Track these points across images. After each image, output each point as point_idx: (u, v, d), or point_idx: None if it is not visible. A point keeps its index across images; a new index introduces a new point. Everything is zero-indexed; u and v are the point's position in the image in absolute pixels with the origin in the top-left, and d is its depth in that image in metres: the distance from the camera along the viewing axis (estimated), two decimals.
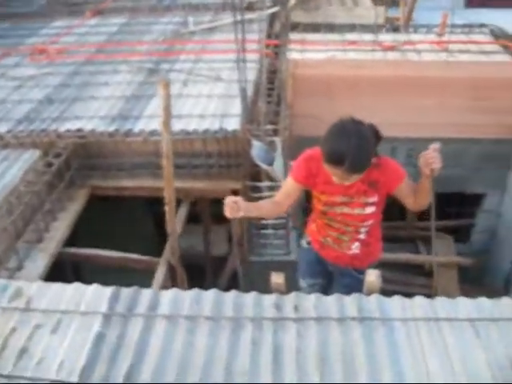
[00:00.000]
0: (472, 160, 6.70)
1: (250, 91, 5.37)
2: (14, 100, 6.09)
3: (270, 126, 4.87)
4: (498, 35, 7.21)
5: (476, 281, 7.41)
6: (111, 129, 5.23)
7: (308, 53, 6.66)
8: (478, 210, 7.30)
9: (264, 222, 5.14)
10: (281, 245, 5.29)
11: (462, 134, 6.50)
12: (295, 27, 7.54)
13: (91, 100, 5.88)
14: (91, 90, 6.12)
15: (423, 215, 7.85)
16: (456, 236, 7.57)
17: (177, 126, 5.11)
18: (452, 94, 6.26)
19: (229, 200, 2.90)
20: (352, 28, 7.44)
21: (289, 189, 3.29)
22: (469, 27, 7.60)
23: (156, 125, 5.14)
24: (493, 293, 7.31)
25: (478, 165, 6.74)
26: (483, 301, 3.01)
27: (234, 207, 2.87)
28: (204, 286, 3.19)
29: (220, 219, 4.16)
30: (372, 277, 3.18)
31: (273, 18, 7.97)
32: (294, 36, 7.25)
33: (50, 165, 4.98)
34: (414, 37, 7.23)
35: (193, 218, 6.00)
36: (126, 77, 6.43)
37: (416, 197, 3.17)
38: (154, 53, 7.06)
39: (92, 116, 5.52)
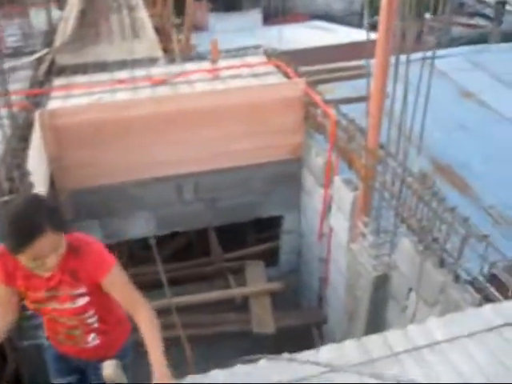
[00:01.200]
0: (261, 185, 6.59)
1: None
2: None
3: None
4: (271, 55, 7.21)
5: (291, 303, 7.32)
6: None
7: (73, 98, 6.15)
8: (280, 232, 7.22)
9: None
10: None
11: (246, 160, 6.35)
12: (62, 71, 7.00)
13: None
14: None
15: (228, 245, 7.80)
16: (266, 260, 7.45)
17: None
18: (229, 122, 6.08)
19: None
20: (123, 65, 7.05)
21: None
22: (243, 49, 7.58)
23: None
24: (308, 312, 7.40)
25: (267, 188, 6.64)
26: None
27: None
28: None
29: None
30: (108, 370, 2.73)
31: (39, 62, 7.34)
32: (59, 81, 6.71)
33: None
34: (188, 67, 7.01)
35: None
36: None
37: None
38: None
39: None
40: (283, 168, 6.54)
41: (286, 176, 6.61)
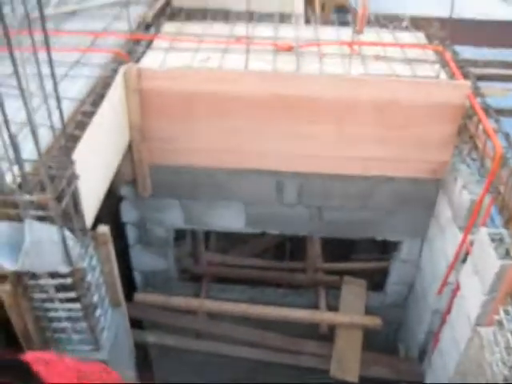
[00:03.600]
0: (382, 201, 5.20)
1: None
2: None
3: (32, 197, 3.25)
4: (432, 37, 5.63)
5: (386, 343, 6.03)
6: None
7: (176, 53, 5.03)
8: (393, 258, 5.84)
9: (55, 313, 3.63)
10: (86, 339, 3.79)
11: (369, 170, 4.97)
12: (176, 14, 5.86)
13: None
14: None
15: (327, 254, 6.55)
16: (370, 282, 6.18)
17: None
18: (356, 119, 4.70)
19: None
20: (248, 17, 5.76)
21: None
22: (397, 20, 6.02)
23: None
24: (406, 365, 5.99)
25: (389, 207, 5.25)
26: None
27: None
28: None
29: None
30: None
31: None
32: (168, 26, 5.60)
33: None
34: (324, 34, 5.61)
35: None
36: None
37: None
38: None
39: None
40: (415, 187, 5.10)
41: (417, 197, 5.17)
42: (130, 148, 4.88)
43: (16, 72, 2.96)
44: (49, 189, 3.18)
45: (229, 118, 4.66)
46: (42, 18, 3.09)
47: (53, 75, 3.13)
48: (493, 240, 3.95)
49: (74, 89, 4.44)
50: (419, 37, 5.71)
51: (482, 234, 4.05)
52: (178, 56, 4.97)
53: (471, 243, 4.36)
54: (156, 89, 4.53)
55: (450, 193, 4.79)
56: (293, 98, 4.59)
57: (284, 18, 6.02)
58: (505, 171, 4.08)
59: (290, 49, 5.19)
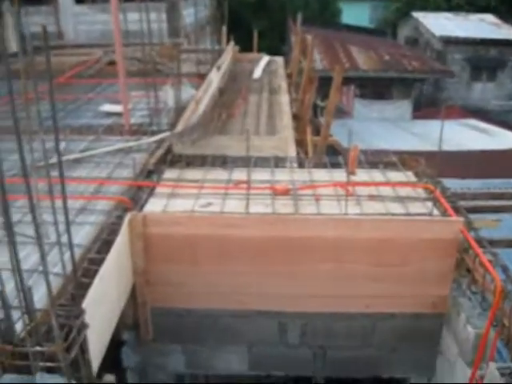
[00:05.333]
0: (385, 339, 5.17)
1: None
2: None
3: (42, 348, 3.26)
4: (421, 174, 5.93)
5: None
6: None
7: (178, 199, 5.24)
8: None
9: None
10: None
11: (370, 307, 5.01)
12: (177, 160, 6.17)
13: None
14: None
15: None
16: None
17: None
18: (354, 258, 4.83)
19: None
20: (246, 162, 6.07)
21: None
22: (385, 156, 6.38)
23: None
24: None
25: (392, 344, 5.21)
26: None
27: None
28: None
29: None
30: None
31: (158, 147, 6.59)
32: (170, 173, 5.87)
33: None
34: (318, 175, 5.90)
35: None
36: None
37: None
38: None
39: None
40: (417, 323, 5.10)
41: (420, 333, 5.15)
42: (132, 291, 4.92)
43: (34, 218, 3.10)
44: (58, 339, 3.18)
45: (231, 261, 4.77)
46: (47, 166, 3.30)
47: (67, 223, 3.27)
48: (502, 375, 3.92)
49: (80, 235, 4.58)
50: (409, 175, 6.00)
51: (491, 369, 4.02)
52: (180, 202, 5.18)
53: (481, 378, 4.30)
54: (160, 234, 4.68)
55: (454, 327, 4.80)
56: (293, 239, 4.73)
57: (278, 161, 6.34)
58: (507, 304, 4.14)
59: (287, 192, 5.42)
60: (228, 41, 14.94)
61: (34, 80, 3.39)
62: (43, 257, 3.09)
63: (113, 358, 5.24)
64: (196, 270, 4.79)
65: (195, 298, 4.95)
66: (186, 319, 5.11)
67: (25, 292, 3.27)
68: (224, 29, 15.11)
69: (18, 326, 3.34)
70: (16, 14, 15.04)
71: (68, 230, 3.29)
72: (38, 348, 3.18)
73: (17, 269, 3.19)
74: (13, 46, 15.29)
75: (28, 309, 3.27)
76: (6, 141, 7.17)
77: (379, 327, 5.13)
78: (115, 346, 5.29)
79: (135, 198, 5.27)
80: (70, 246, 3.36)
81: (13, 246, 3.12)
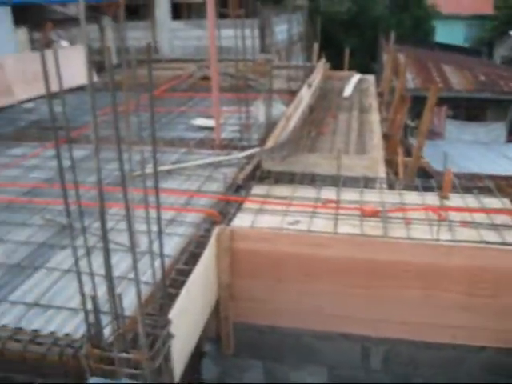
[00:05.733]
0: (473, 373, 4.92)
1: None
2: None
3: (129, 355, 3.32)
4: None
5: None
6: None
7: (265, 215, 5.26)
8: None
9: None
10: None
11: (456, 338, 4.79)
12: (266, 177, 6.19)
13: None
14: None
15: None
16: None
17: (34, 322, 3.77)
18: (444, 287, 4.64)
19: None
20: (336, 181, 6.02)
21: None
22: (478, 179, 6.12)
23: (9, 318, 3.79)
24: None
25: (482, 379, 4.94)
26: None
27: None
28: None
29: None
30: None
31: (247, 162, 6.66)
32: (258, 189, 5.90)
33: None
34: (409, 198, 5.74)
35: None
36: (28, 234, 5.13)
37: None
38: (84, 201, 5.77)
39: None
40: (508, 358, 4.82)
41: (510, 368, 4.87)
42: (216, 305, 4.95)
43: (129, 227, 3.18)
44: (145, 348, 3.24)
45: (317, 280, 4.71)
46: (144, 176, 3.39)
47: (160, 233, 3.34)
48: None
49: (169, 246, 4.67)
50: (505, 202, 5.72)
51: None
52: (268, 218, 5.19)
53: None
54: (247, 249, 4.69)
55: None
56: (381, 262, 4.61)
57: (368, 181, 6.23)
58: None
59: (376, 214, 5.31)
60: (319, 58, 14.93)
61: (133, 92, 3.50)
62: (135, 265, 3.16)
63: (193, 369, 5.30)
64: (281, 287, 4.76)
65: (278, 316, 4.92)
66: (267, 336, 5.08)
67: (115, 298, 3.36)
68: (316, 46, 15.13)
69: (106, 331, 3.45)
70: (116, 29, 15.75)
71: (160, 241, 3.36)
72: (124, 354, 3.25)
73: (109, 275, 3.28)
74: (112, 58, 16.01)
75: (117, 315, 3.36)
76: (108, 150, 7.53)
77: (467, 360, 4.89)
78: (196, 357, 5.35)
79: (224, 211, 5.33)
80: (161, 256, 3.43)
81: (107, 253, 3.22)
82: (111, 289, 3.29)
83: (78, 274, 3.28)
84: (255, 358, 5.30)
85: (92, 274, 3.29)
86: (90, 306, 3.36)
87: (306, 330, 4.96)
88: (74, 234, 3.35)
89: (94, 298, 3.27)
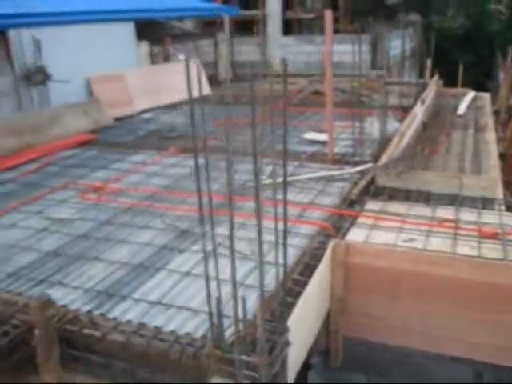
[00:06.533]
0: None
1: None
2: (24, 246, 5.36)
3: (249, 358, 3.41)
4: None
5: None
6: (85, 308, 4.15)
7: (379, 231, 5.24)
8: None
9: None
10: None
11: None
12: (379, 193, 6.16)
13: (93, 262, 4.93)
14: (102, 249, 5.19)
15: None
16: None
17: (156, 320, 3.98)
18: None
19: None
20: (452, 200, 5.88)
21: None
22: None
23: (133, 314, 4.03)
24: None
25: None
26: None
27: None
28: None
29: None
30: None
31: (360, 177, 6.66)
32: (372, 204, 5.88)
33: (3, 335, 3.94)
34: None
35: None
36: (150, 236, 5.43)
37: None
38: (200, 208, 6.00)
39: (78, 286, 4.52)
40: None
41: None
42: (326, 318, 4.98)
43: (259, 236, 3.30)
44: (264, 352, 3.33)
45: (431, 300, 4.61)
46: (274, 186, 3.50)
47: (285, 243, 3.43)
48: None
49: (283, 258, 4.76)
50: None
51: None
52: (382, 234, 5.16)
53: None
54: (362, 264, 4.69)
55: None
56: (500, 286, 4.45)
57: (485, 202, 6.02)
58: None
59: (495, 236, 5.13)
60: (432, 74, 14.62)
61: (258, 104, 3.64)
62: (261, 272, 3.27)
63: (299, 379, 5.34)
64: (394, 304, 4.71)
65: (389, 333, 4.86)
66: (376, 352, 5.03)
67: (237, 302, 3.49)
68: (428, 62, 14.84)
69: (226, 334, 3.58)
70: (230, 43, 16.24)
71: (285, 250, 3.46)
72: (244, 357, 3.36)
73: (233, 280, 3.41)
74: (225, 73, 16.53)
75: (238, 318, 3.48)
76: (224, 160, 7.80)
77: None
78: (303, 367, 5.40)
79: (337, 225, 5.37)
80: (284, 265, 3.52)
81: (233, 259, 3.35)
82: (234, 292, 3.42)
83: (206, 277, 3.43)
84: (361, 373, 5.25)
85: (218, 278, 3.43)
86: (212, 308, 3.51)
87: (417, 350, 4.86)
88: (204, 239, 3.49)
89: (218, 300, 3.41)
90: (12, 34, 9.59)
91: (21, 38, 9.64)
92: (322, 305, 4.76)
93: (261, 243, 3.25)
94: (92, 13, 10.84)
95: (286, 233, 3.61)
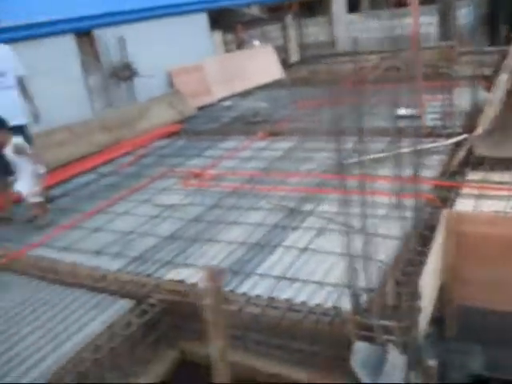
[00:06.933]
0: None
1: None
2: (141, 232, 5.71)
3: (387, 322, 3.58)
4: None
5: None
6: None
7: (486, 200, 5.27)
8: None
9: None
10: None
11: None
12: (480, 163, 6.15)
13: (210, 243, 5.20)
14: (216, 231, 5.46)
15: None
16: None
17: (284, 293, 4.17)
18: None
19: None
20: None
21: None
22: None
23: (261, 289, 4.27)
24: None
25: None
26: None
27: None
28: None
29: None
30: None
31: (456, 149, 6.67)
32: (473, 175, 5.90)
33: (142, 314, 4.27)
34: None
35: None
36: (259, 216, 5.66)
37: None
38: (303, 188, 6.21)
39: (202, 265, 4.79)
40: None
41: None
42: (440, 288, 5.07)
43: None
44: (403, 317, 3.50)
45: None
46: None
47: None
48: None
49: (395, 229, 4.88)
50: None
51: None
52: (490, 203, 5.19)
53: None
54: (474, 233, 4.74)
55: None
56: None
57: None
58: None
59: None
60: (508, 41, 14.22)
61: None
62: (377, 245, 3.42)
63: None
64: (508, 271, 4.75)
65: (504, 300, 4.90)
66: (491, 320, 5.08)
67: (368, 273, 3.67)
68: (503, 28, 14.45)
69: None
70: (297, 26, 16.27)
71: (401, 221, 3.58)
72: (383, 322, 3.54)
73: (366, 252, 3.59)
74: (295, 56, 16.61)
75: (371, 288, 3.66)
76: (313, 141, 7.97)
77: None
78: None
79: (442, 197, 5.43)
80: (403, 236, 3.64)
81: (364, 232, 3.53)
82: (366, 264, 3.60)
83: (349, 252, 3.62)
84: (476, 343, 5.32)
85: (352, 249, 3.62)
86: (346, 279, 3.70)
87: None
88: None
89: (354, 271, 3.60)
90: (97, 33, 10.02)
91: (106, 37, 10.06)
92: (437, 274, 4.85)
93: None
94: (172, 6, 11.17)
95: (399, 203, 3.73)
